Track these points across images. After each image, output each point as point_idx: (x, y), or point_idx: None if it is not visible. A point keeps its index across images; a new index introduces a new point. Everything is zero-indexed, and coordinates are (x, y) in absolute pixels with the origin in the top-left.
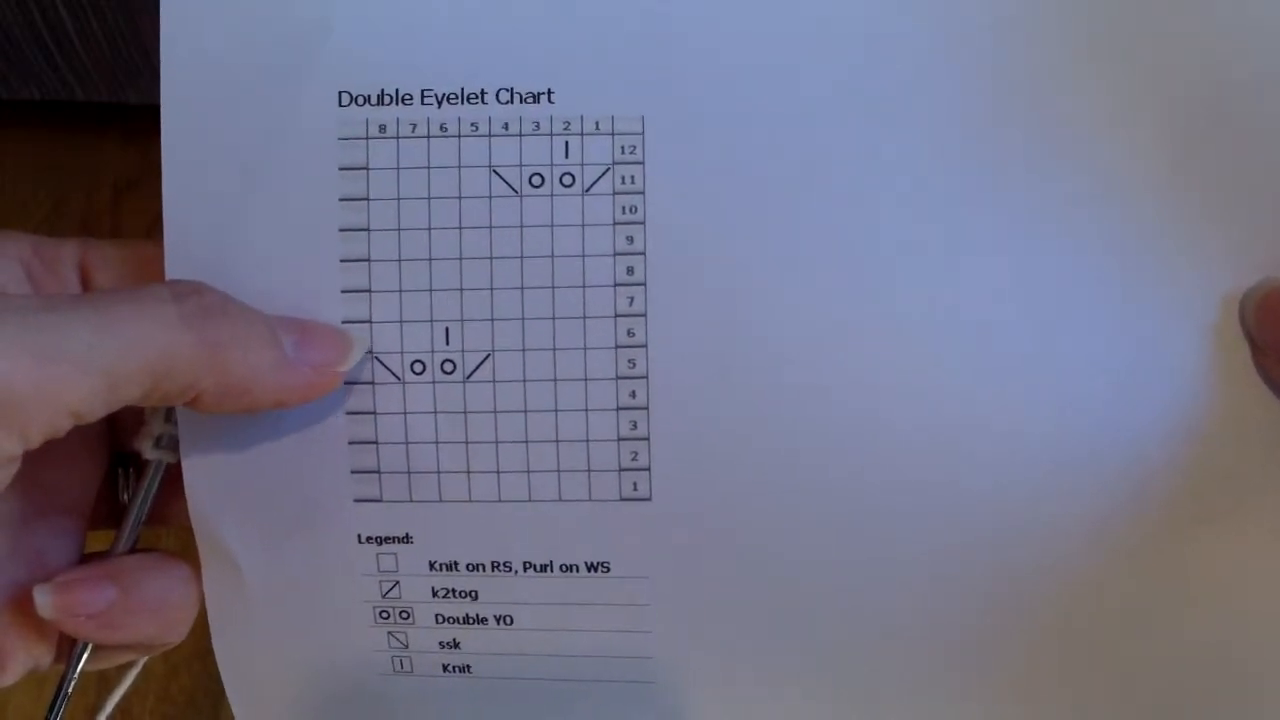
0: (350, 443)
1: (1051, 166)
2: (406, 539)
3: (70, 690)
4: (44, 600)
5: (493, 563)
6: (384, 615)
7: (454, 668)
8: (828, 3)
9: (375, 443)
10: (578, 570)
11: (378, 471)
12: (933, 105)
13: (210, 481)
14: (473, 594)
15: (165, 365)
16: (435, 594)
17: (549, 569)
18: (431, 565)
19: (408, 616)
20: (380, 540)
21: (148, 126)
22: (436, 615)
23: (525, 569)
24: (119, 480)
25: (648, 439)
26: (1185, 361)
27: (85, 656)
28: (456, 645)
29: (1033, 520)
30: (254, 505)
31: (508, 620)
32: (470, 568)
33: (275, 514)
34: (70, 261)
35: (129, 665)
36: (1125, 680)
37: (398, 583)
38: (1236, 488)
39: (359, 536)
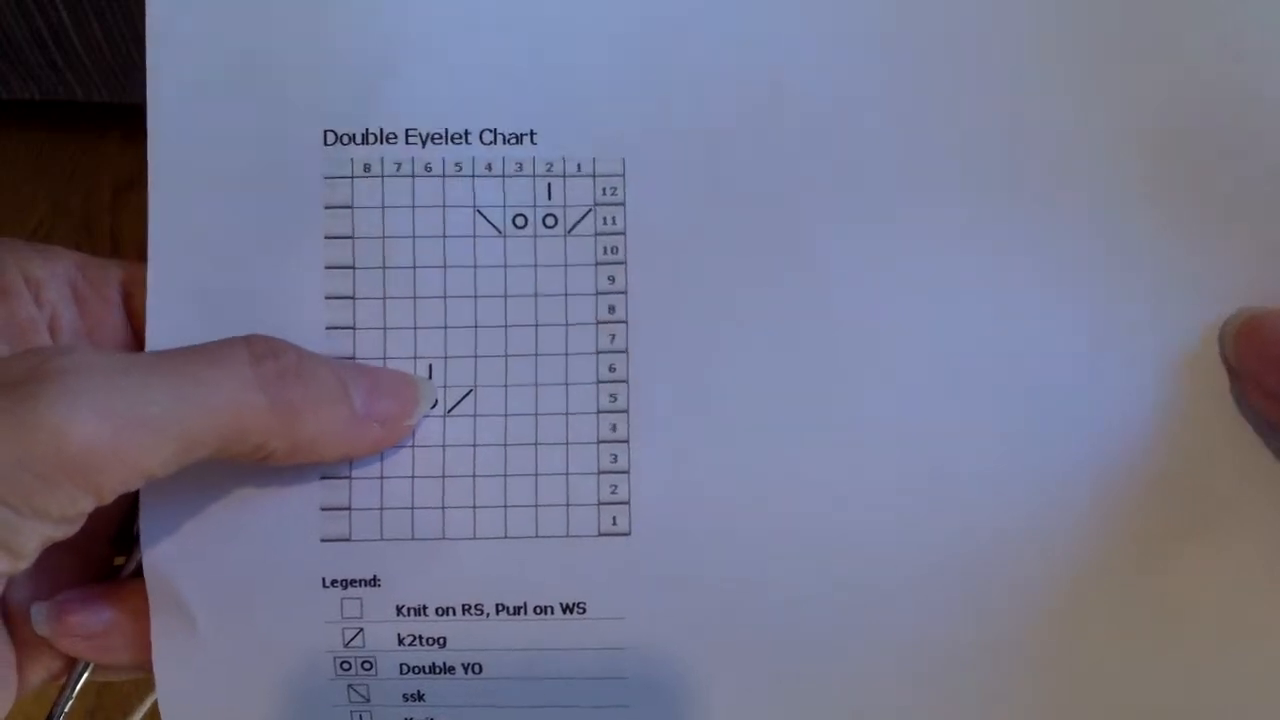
0: (322, 478)
1: (1030, 199)
2: (374, 582)
3: (67, 709)
4: (40, 618)
5: (464, 605)
6: (345, 666)
7: None
8: (806, 47)
9: (349, 478)
10: (552, 612)
11: (348, 508)
12: (911, 142)
13: (168, 517)
14: (440, 640)
15: (239, 429)
16: (401, 641)
17: (523, 611)
18: (399, 610)
19: (370, 668)
20: (346, 584)
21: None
22: (401, 665)
23: (498, 611)
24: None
25: (627, 472)
26: (1163, 390)
27: (85, 675)
28: (421, 698)
29: (1009, 548)
30: (213, 546)
31: (476, 669)
32: (440, 612)
33: (236, 557)
34: (114, 281)
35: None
36: (1103, 706)
37: (361, 630)
38: (1214, 513)
39: (324, 580)
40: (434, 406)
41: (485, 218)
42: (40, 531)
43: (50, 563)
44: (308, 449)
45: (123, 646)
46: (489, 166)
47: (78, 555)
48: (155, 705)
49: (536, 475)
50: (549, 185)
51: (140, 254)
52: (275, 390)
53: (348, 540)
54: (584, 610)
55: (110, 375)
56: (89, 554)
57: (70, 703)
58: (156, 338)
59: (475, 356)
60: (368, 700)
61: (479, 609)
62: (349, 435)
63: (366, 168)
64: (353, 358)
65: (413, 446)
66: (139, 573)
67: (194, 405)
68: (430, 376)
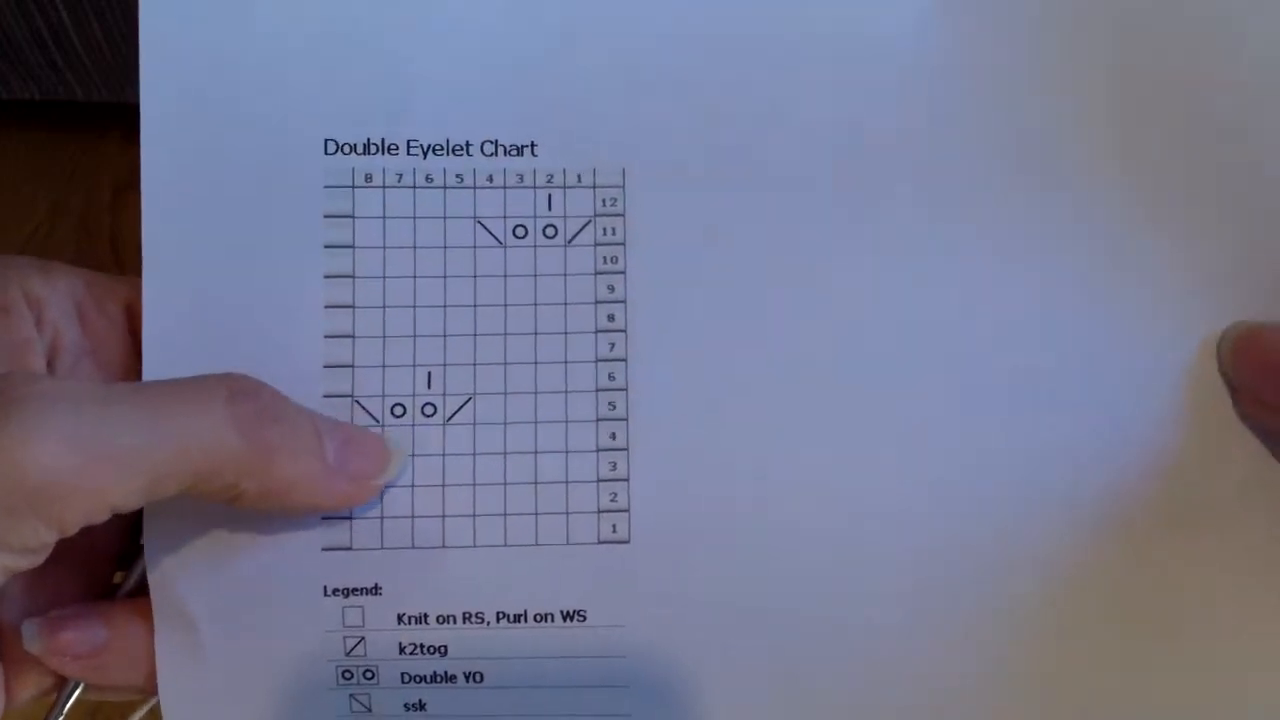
0: None
1: (1031, 213)
2: (375, 590)
3: None
4: (32, 635)
5: (464, 614)
6: (347, 675)
7: None
8: (805, 58)
9: None
10: (553, 619)
11: (349, 517)
12: (916, 156)
13: (171, 529)
14: (442, 649)
15: (210, 468)
16: (403, 650)
17: (523, 619)
18: (400, 618)
19: (372, 676)
20: (347, 592)
21: None
22: (403, 674)
23: (499, 619)
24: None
25: (627, 480)
26: (1162, 399)
27: (75, 695)
28: (422, 707)
29: (1006, 554)
30: (216, 556)
31: (478, 678)
32: (441, 620)
33: (238, 566)
34: (119, 299)
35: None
36: (1093, 705)
37: (363, 639)
38: (1211, 523)
39: (325, 589)
40: (433, 415)
41: (485, 228)
42: (0, 563)
43: (51, 580)
44: (279, 493)
45: (115, 667)
46: (490, 178)
47: (79, 573)
48: (155, 708)
49: (536, 484)
50: (549, 196)
51: (140, 257)
52: (250, 430)
53: (349, 549)
54: (584, 618)
55: (79, 405)
56: (91, 572)
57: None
58: (153, 347)
59: (474, 364)
60: (369, 709)
61: (479, 617)
62: (320, 485)
63: (368, 177)
64: (351, 365)
65: (412, 455)
66: (136, 591)
67: (165, 441)
68: (429, 384)
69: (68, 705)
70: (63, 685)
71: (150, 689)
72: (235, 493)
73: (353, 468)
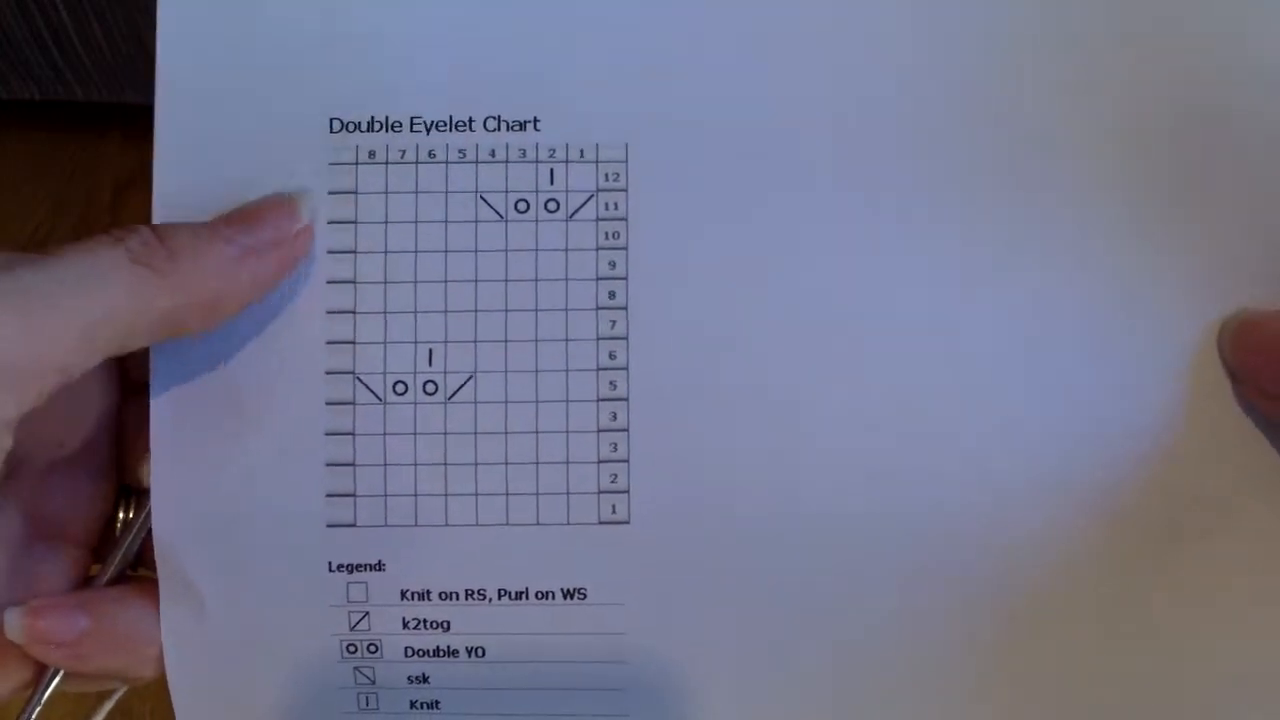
0: (327, 464)
1: (1034, 198)
2: (379, 566)
3: (34, 716)
4: (13, 624)
5: (466, 590)
6: (351, 649)
7: (422, 704)
8: (812, 34)
9: (353, 465)
10: (553, 597)
11: (353, 495)
12: (917, 135)
13: (179, 504)
14: (444, 624)
15: (137, 302)
16: (406, 625)
17: (524, 596)
18: (403, 594)
19: (376, 650)
20: (351, 568)
21: (148, 126)
22: (406, 648)
23: (500, 596)
24: (118, 511)
25: (627, 461)
26: (1163, 387)
27: (54, 684)
28: (425, 680)
29: (1005, 539)
30: (222, 531)
31: (479, 652)
32: (443, 596)
33: (244, 541)
34: None
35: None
36: (1089, 692)
37: (367, 614)
38: (1207, 511)
39: (330, 564)
40: (434, 393)
41: (487, 203)
42: None
43: (29, 571)
44: (211, 301)
45: (96, 654)
46: (492, 153)
47: (57, 564)
48: (121, 700)
49: (537, 464)
50: (551, 170)
51: None
52: (149, 256)
53: (353, 526)
54: (584, 596)
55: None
56: (69, 563)
57: (38, 709)
58: None
59: (475, 341)
60: (373, 682)
61: (482, 594)
62: (243, 271)
63: (371, 154)
64: (353, 341)
65: (415, 434)
66: (115, 580)
67: (86, 289)
68: (430, 361)
69: (46, 694)
70: (41, 675)
71: (128, 677)
72: (174, 319)
73: (267, 236)
